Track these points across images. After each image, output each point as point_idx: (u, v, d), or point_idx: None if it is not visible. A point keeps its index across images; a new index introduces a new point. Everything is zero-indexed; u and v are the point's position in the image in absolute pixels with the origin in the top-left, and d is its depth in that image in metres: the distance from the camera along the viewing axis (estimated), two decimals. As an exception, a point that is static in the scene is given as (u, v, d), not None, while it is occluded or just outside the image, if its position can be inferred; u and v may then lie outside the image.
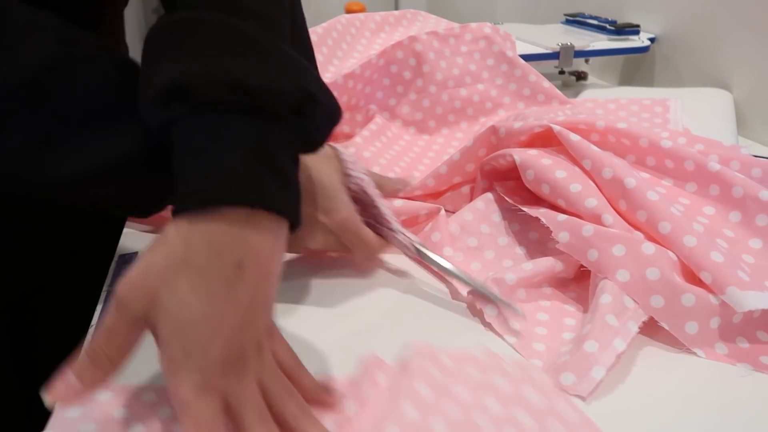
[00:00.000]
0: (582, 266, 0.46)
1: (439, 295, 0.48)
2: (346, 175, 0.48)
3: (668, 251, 0.43)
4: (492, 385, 0.37)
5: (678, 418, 0.36)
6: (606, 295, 0.42)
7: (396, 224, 0.49)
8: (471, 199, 0.57)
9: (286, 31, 0.43)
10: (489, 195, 0.55)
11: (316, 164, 0.46)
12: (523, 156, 0.52)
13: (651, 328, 0.42)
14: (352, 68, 0.70)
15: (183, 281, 0.30)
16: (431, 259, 0.47)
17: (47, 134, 0.34)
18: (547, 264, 0.47)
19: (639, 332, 0.41)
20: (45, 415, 0.37)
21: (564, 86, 0.94)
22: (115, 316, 0.31)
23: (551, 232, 0.47)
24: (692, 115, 0.74)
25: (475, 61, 0.76)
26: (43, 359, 0.58)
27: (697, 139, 0.57)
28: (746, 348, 0.41)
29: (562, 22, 1.08)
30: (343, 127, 0.72)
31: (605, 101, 0.79)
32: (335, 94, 0.69)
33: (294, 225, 0.34)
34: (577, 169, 0.50)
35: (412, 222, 0.54)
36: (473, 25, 0.78)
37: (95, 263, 0.55)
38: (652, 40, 0.94)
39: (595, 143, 0.51)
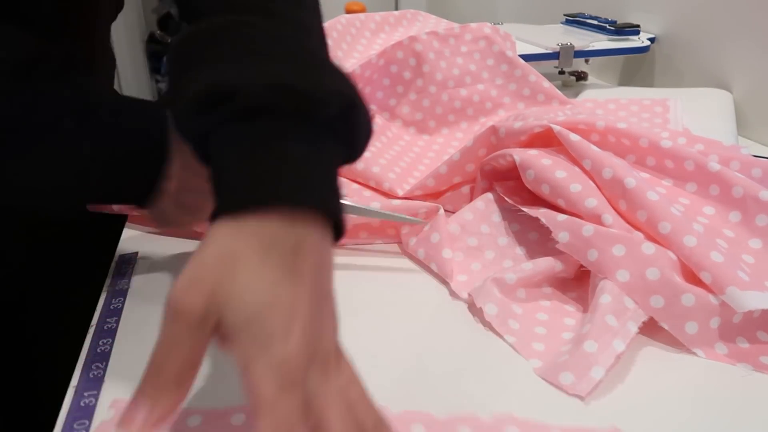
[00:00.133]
0: (582, 266, 0.46)
1: (438, 295, 0.48)
2: None
3: (668, 251, 0.43)
4: None
5: (678, 418, 0.36)
6: (606, 295, 0.42)
7: None
8: (471, 199, 0.57)
9: (317, 36, 0.43)
10: (489, 195, 0.55)
11: None
12: (523, 156, 0.52)
13: (651, 328, 0.42)
14: (352, 68, 0.70)
15: (242, 271, 0.28)
16: None
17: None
18: (547, 264, 0.47)
19: (639, 332, 0.41)
20: (44, 416, 0.37)
21: (564, 86, 0.94)
22: (173, 327, 0.28)
23: (551, 232, 0.47)
24: (692, 115, 0.74)
25: (475, 61, 0.76)
26: (43, 360, 0.58)
27: (697, 139, 0.57)
28: (746, 348, 0.41)
29: (562, 22, 1.08)
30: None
31: (605, 101, 0.79)
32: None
33: (338, 231, 0.32)
34: (577, 169, 0.50)
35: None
36: (473, 25, 0.78)
37: (95, 263, 0.55)
38: (652, 40, 0.94)
39: (595, 143, 0.51)
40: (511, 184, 0.55)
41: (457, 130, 0.75)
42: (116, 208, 0.54)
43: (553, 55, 0.89)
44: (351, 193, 0.61)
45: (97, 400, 0.38)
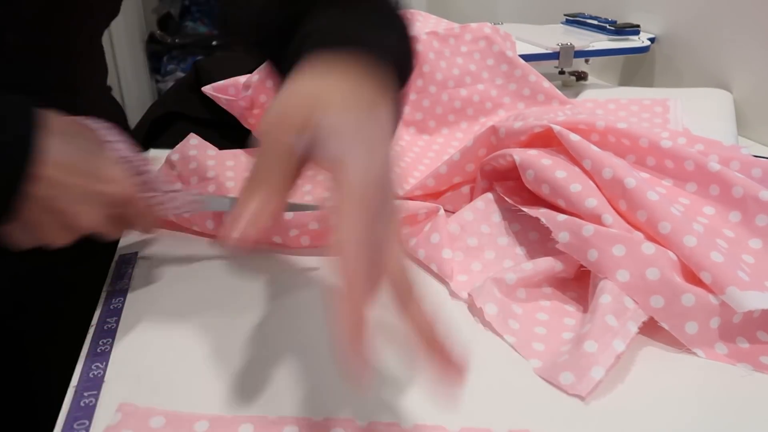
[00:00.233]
0: (582, 266, 0.46)
1: (438, 295, 0.48)
2: (104, 143, 0.42)
3: (668, 251, 0.43)
4: None
5: (678, 418, 0.36)
6: (606, 295, 0.42)
7: (175, 185, 0.47)
8: (471, 199, 0.57)
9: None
10: (489, 195, 0.55)
11: (76, 136, 0.40)
12: (523, 156, 0.52)
13: (651, 328, 0.42)
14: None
15: (334, 92, 0.31)
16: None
17: None
18: (547, 264, 0.47)
19: (639, 332, 0.41)
20: (44, 416, 0.37)
21: (564, 86, 0.94)
22: (267, 146, 0.31)
23: (551, 232, 0.47)
24: (692, 115, 0.74)
25: (475, 61, 0.76)
26: (43, 360, 0.58)
27: (697, 139, 0.57)
28: (746, 348, 0.41)
29: (562, 22, 1.08)
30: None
31: (605, 101, 0.79)
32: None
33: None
34: (577, 169, 0.50)
35: (410, 221, 0.54)
36: (473, 25, 0.78)
37: (95, 263, 0.55)
38: (652, 40, 0.94)
39: (595, 143, 0.51)
40: (511, 184, 0.55)
41: (457, 130, 0.75)
42: None
43: (553, 55, 0.89)
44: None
45: (97, 400, 0.38)
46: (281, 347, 0.42)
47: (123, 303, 0.47)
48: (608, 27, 0.96)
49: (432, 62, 0.74)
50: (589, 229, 0.46)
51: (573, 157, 0.51)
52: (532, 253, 0.51)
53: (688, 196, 0.51)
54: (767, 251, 0.46)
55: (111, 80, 0.62)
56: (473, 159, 0.57)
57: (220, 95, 0.71)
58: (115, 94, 2.69)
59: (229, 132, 0.73)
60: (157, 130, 0.76)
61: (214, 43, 2.61)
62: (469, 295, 0.46)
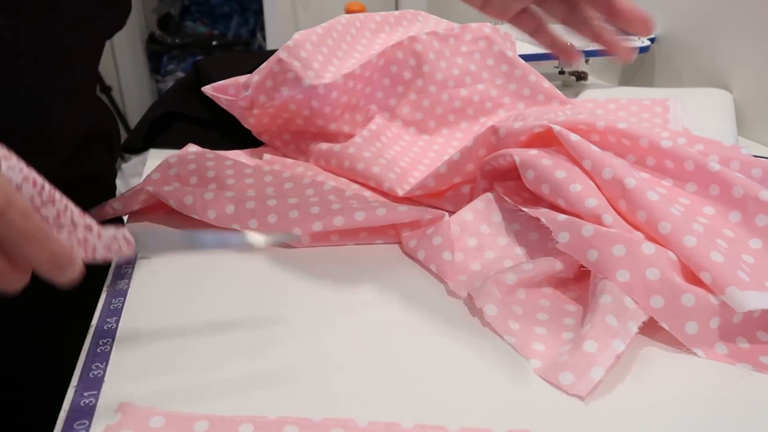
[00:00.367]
0: (582, 266, 0.46)
1: (437, 295, 0.48)
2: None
3: (668, 251, 0.43)
4: None
5: (678, 418, 0.36)
6: (606, 296, 0.42)
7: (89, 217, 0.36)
8: (471, 199, 0.57)
9: None
10: (489, 195, 0.55)
11: None
12: (523, 156, 0.52)
13: (651, 328, 0.42)
14: (352, 68, 0.70)
15: None
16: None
17: None
18: (547, 264, 0.47)
19: (639, 332, 0.41)
20: (44, 416, 0.37)
21: (564, 86, 0.94)
22: None
23: (551, 232, 0.47)
24: (692, 115, 0.74)
25: (475, 61, 0.76)
26: (43, 360, 0.58)
27: (697, 139, 0.57)
28: (746, 348, 0.41)
29: (562, 22, 1.08)
30: (343, 127, 0.72)
31: (605, 101, 0.79)
32: (335, 94, 0.70)
33: None
34: (577, 169, 0.50)
35: (414, 225, 0.54)
36: (473, 25, 0.78)
37: (95, 263, 0.55)
38: (652, 40, 0.94)
39: (595, 143, 0.51)
40: (511, 184, 0.55)
41: (457, 130, 0.75)
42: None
43: (553, 56, 0.89)
44: (351, 194, 0.61)
45: (97, 400, 0.38)
46: (281, 347, 0.42)
47: (123, 303, 0.47)
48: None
49: (432, 62, 0.74)
50: (589, 229, 0.46)
51: (573, 157, 0.51)
52: (532, 253, 0.51)
53: (688, 196, 0.51)
54: (767, 251, 0.46)
55: (111, 80, 0.62)
56: (473, 159, 0.57)
57: (220, 95, 0.71)
58: (115, 94, 2.70)
59: (229, 132, 0.73)
60: (157, 130, 0.76)
61: (214, 43, 2.61)
62: (469, 295, 0.46)
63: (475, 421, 0.36)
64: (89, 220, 0.36)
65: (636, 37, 0.93)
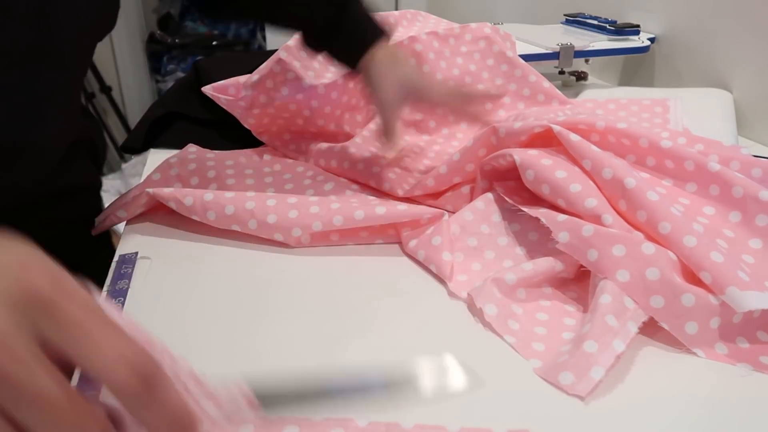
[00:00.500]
0: (582, 266, 0.46)
1: (438, 296, 0.48)
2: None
3: (668, 251, 0.43)
4: None
5: (678, 418, 0.36)
6: (606, 295, 0.42)
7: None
8: (471, 199, 0.57)
9: None
10: (489, 195, 0.55)
11: None
12: (523, 156, 0.52)
13: (651, 328, 0.42)
14: (352, 68, 0.70)
15: (406, 63, 0.61)
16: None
17: None
18: (547, 264, 0.47)
19: (639, 332, 0.41)
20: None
21: (564, 86, 0.94)
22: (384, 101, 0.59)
23: (551, 232, 0.47)
24: (692, 115, 0.74)
25: (475, 61, 0.76)
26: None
27: (697, 139, 0.57)
28: (746, 348, 0.41)
29: (562, 23, 1.08)
30: (343, 127, 0.72)
31: (605, 101, 0.79)
32: (335, 94, 0.69)
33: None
34: (577, 169, 0.50)
35: (413, 225, 0.54)
36: (473, 25, 0.78)
37: (95, 263, 0.55)
38: (652, 40, 0.94)
39: (595, 143, 0.51)
40: (511, 184, 0.55)
41: (457, 130, 0.75)
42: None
43: (553, 55, 0.89)
44: (351, 194, 0.61)
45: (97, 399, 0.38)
46: (281, 347, 0.42)
47: (123, 303, 0.47)
48: (608, 27, 0.96)
49: (432, 62, 0.74)
50: (589, 229, 0.46)
51: (573, 157, 0.51)
52: (532, 253, 0.51)
53: (688, 196, 0.51)
54: (767, 251, 0.46)
55: (111, 80, 0.61)
56: (473, 159, 0.57)
57: (220, 95, 0.71)
58: (115, 94, 2.69)
59: (229, 132, 0.73)
60: (157, 130, 0.76)
61: (214, 43, 2.61)
62: (469, 295, 0.46)
63: (475, 421, 0.36)
64: (208, 385, 0.28)
65: (636, 37, 0.94)
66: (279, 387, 0.32)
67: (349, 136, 0.70)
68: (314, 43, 0.62)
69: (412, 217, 0.53)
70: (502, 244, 0.52)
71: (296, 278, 0.50)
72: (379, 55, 0.60)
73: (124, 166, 2.39)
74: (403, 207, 0.53)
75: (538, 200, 0.52)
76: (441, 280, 0.49)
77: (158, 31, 2.64)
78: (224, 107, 0.71)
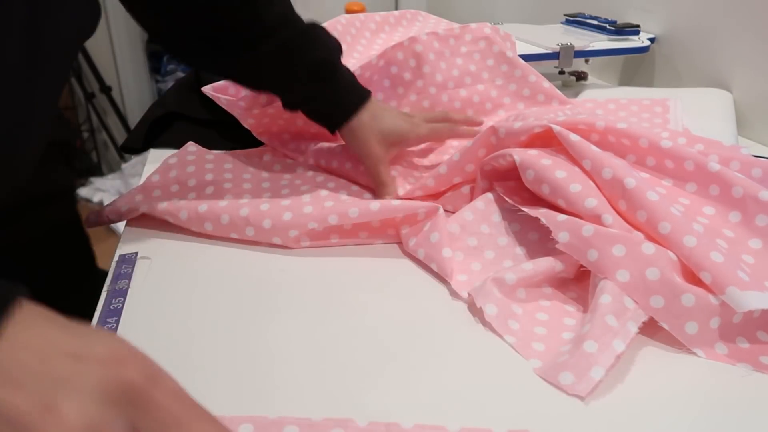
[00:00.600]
0: (582, 266, 0.46)
1: (438, 295, 0.48)
2: None
3: (668, 251, 0.43)
4: None
5: (678, 418, 0.36)
6: (606, 296, 0.42)
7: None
8: (471, 199, 0.57)
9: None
10: (489, 195, 0.55)
11: None
12: (523, 156, 0.52)
13: (651, 328, 0.42)
14: (352, 69, 0.70)
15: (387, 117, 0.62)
16: None
17: None
18: (547, 264, 0.47)
19: (639, 332, 0.41)
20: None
21: (564, 86, 0.94)
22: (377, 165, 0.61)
23: (551, 232, 0.47)
24: (692, 115, 0.74)
25: (474, 61, 0.76)
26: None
27: (697, 139, 0.57)
28: (746, 348, 0.41)
29: (562, 23, 1.08)
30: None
31: (605, 101, 0.79)
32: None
33: None
34: (577, 169, 0.50)
35: (410, 221, 0.54)
36: (473, 25, 0.78)
37: (95, 264, 0.55)
38: (652, 40, 0.94)
39: (595, 143, 0.51)
40: (511, 184, 0.56)
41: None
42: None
43: (553, 55, 0.89)
44: (352, 194, 0.61)
45: (97, 400, 0.38)
46: (281, 347, 0.42)
47: (123, 303, 0.47)
48: (608, 27, 0.96)
49: (432, 63, 0.74)
50: (589, 229, 0.46)
51: (573, 157, 0.51)
52: (532, 253, 0.51)
53: (688, 196, 0.51)
54: (767, 251, 0.46)
55: (111, 80, 0.61)
56: (473, 159, 0.57)
57: (219, 95, 0.71)
58: (115, 94, 2.69)
59: (229, 132, 0.73)
60: (157, 130, 0.76)
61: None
62: (469, 295, 0.46)
63: (475, 421, 0.36)
64: None
65: (636, 37, 0.94)
66: None
67: (349, 136, 0.70)
68: (293, 108, 0.62)
69: (406, 212, 0.53)
70: (502, 244, 0.52)
71: (296, 278, 0.50)
72: (360, 117, 0.60)
73: (124, 166, 2.39)
74: (397, 203, 0.53)
75: (538, 200, 0.52)
76: (441, 280, 0.49)
77: (158, 32, 2.64)
78: (224, 107, 0.71)
